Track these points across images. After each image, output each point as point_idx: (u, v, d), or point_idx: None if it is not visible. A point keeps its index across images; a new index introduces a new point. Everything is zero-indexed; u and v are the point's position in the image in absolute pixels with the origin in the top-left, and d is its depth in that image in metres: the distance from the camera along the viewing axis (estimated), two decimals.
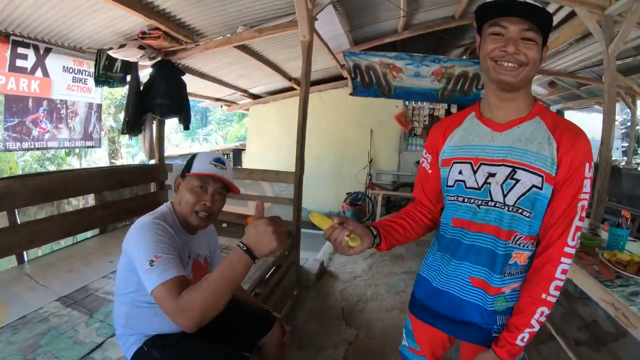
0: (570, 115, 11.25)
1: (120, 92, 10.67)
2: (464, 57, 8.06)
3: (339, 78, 7.21)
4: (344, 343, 2.77)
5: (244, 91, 7.37)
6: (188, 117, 4.19)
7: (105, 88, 4.08)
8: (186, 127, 4.30)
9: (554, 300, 1.00)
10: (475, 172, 1.08)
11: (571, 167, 0.98)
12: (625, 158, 9.93)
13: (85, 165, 11.58)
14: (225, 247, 3.12)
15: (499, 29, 0.99)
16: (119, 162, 13.07)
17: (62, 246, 3.18)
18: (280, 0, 3.54)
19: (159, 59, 3.82)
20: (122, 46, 3.44)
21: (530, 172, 1.01)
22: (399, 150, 7.64)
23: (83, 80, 3.86)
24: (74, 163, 11.41)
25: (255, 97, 7.97)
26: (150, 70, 3.89)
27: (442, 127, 1.23)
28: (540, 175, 1.00)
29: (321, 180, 7.32)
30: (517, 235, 1.04)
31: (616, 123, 14.08)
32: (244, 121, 17.18)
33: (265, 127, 8.13)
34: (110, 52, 3.48)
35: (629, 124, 9.99)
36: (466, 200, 1.10)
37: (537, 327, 1.00)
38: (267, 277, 2.83)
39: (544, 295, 0.99)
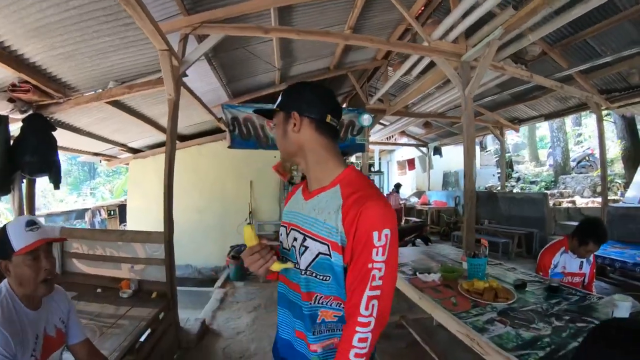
0: (448, 150, 12.47)
1: None
2: (344, 105, 9.03)
3: (217, 131, 7.34)
4: None
5: (123, 145, 7.26)
6: (59, 176, 4.12)
7: None
8: (56, 187, 4.14)
9: None
10: (287, 235, 1.24)
11: (358, 238, 1.03)
12: (499, 183, 11.31)
13: None
14: (97, 314, 2.94)
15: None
16: None
17: None
18: (148, 57, 3.76)
19: (30, 112, 3.81)
20: None
21: (316, 240, 1.11)
22: (280, 200, 7.87)
23: None
24: None
25: (135, 151, 7.84)
26: (21, 124, 3.79)
27: (290, 195, 1.39)
28: (325, 244, 1.09)
29: (205, 234, 7.31)
30: (317, 295, 1.13)
31: (490, 152, 16.12)
32: None
33: (145, 182, 7.72)
34: None
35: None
36: (283, 259, 1.23)
37: None
38: (140, 342, 2.73)
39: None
